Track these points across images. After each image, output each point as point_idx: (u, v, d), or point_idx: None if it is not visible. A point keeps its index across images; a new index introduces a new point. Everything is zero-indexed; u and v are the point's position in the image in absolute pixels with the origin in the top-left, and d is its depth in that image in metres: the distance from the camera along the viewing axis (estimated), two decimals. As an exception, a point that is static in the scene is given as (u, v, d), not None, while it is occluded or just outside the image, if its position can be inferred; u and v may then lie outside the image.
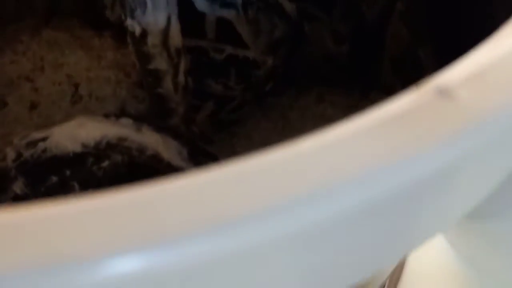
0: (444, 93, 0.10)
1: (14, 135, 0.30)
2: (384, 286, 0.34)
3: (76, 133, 0.23)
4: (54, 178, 0.23)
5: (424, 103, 0.10)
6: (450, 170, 0.10)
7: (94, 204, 0.09)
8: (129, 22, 0.25)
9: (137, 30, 0.25)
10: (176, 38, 0.26)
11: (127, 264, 0.08)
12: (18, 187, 0.23)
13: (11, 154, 0.24)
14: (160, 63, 0.26)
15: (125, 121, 0.23)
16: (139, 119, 0.24)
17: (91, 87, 0.31)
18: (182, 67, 0.28)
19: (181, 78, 0.28)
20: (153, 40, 0.25)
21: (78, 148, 0.23)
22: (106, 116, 0.24)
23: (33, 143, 0.23)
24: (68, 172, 0.23)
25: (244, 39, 0.33)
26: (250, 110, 0.38)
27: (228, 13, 0.32)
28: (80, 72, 0.31)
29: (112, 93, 0.31)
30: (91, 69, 0.31)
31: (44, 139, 0.23)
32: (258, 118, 0.37)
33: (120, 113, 0.31)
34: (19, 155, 0.23)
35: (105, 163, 0.22)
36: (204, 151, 0.24)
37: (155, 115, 0.30)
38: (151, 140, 0.23)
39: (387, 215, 0.10)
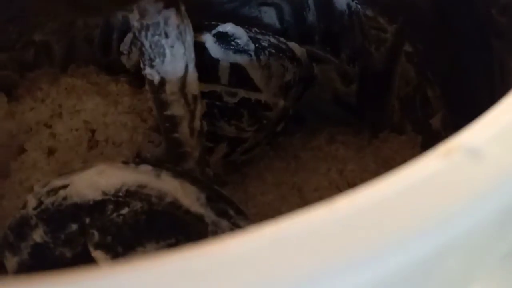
0: (473, 153, 0.10)
1: (32, 181, 0.31)
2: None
3: (95, 181, 0.23)
4: (74, 226, 0.23)
5: (456, 164, 0.10)
6: (494, 222, 0.10)
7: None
8: (148, 71, 0.26)
9: (156, 79, 0.26)
10: (193, 85, 0.27)
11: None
12: (38, 235, 0.24)
13: (32, 201, 0.24)
14: (178, 109, 0.27)
15: (144, 167, 0.24)
16: (156, 164, 0.24)
17: (107, 132, 0.32)
18: (198, 112, 0.29)
19: (197, 123, 0.29)
20: (171, 88, 0.26)
21: (98, 196, 0.23)
22: (125, 163, 0.24)
23: (54, 191, 0.24)
24: (88, 220, 0.23)
25: (256, 83, 0.34)
26: (262, 151, 0.38)
27: (241, 59, 0.33)
28: (97, 118, 0.32)
29: (128, 139, 0.32)
30: (107, 114, 0.32)
31: (64, 187, 0.24)
32: (271, 158, 0.37)
33: (137, 157, 0.32)
34: (40, 203, 0.24)
35: (125, 210, 0.23)
36: (222, 196, 0.24)
37: (171, 159, 0.31)
38: (170, 186, 0.23)
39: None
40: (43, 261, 0.24)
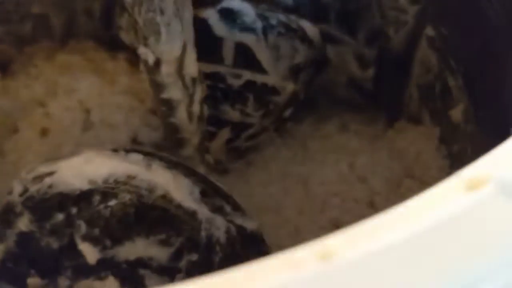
0: (506, 192, 0.08)
1: (25, 162, 0.29)
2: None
3: (83, 169, 0.21)
4: (60, 216, 0.22)
5: (485, 201, 0.08)
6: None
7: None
8: (142, 50, 0.24)
9: (151, 59, 0.24)
10: (191, 67, 0.25)
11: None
12: (23, 223, 0.22)
13: (18, 187, 0.23)
14: (174, 92, 0.25)
15: (135, 156, 0.22)
16: (147, 153, 0.22)
17: (103, 113, 0.30)
18: (197, 96, 0.26)
19: (196, 107, 0.27)
20: (167, 69, 0.24)
21: (85, 185, 0.21)
22: (115, 150, 0.22)
23: (39, 178, 0.22)
24: (74, 210, 0.21)
25: (263, 65, 0.31)
26: (268, 137, 0.36)
27: (247, 38, 0.30)
28: (93, 98, 0.30)
29: (124, 121, 0.30)
30: (103, 94, 0.30)
31: (51, 174, 0.22)
32: (277, 146, 0.35)
33: (133, 141, 0.30)
34: (25, 189, 0.22)
35: (112, 202, 0.21)
36: (218, 190, 0.22)
37: (169, 145, 0.29)
38: (161, 178, 0.21)
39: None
40: (30, 251, 0.23)
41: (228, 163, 0.34)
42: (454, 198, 0.08)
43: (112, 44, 0.36)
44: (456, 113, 0.29)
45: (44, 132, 0.30)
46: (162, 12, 0.22)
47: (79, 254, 0.22)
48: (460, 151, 0.29)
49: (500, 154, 0.09)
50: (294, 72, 0.32)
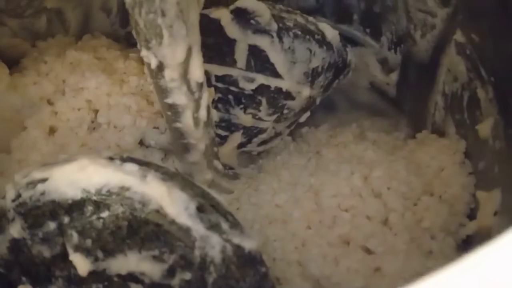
0: None
1: (30, 161, 0.29)
2: None
3: (76, 177, 0.21)
4: (52, 225, 0.21)
5: None
6: None
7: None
8: (144, 53, 0.23)
9: (153, 63, 0.23)
10: (197, 71, 0.23)
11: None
12: (15, 230, 0.22)
13: (11, 192, 0.22)
14: (179, 97, 0.24)
15: (130, 166, 0.21)
16: (143, 163, 0.21)
17: (110, 114, 0.29)
18: (204, 101, 0.25)
19: (202, 113, 0.25)
20: (170, 74, 0.23)
21: (77, 194, 0.21)
22: (111, 159, 0.21)
23: (33, 184, 0.22)
24: (66, 219, 0.21)
25: (278, 68, 0.30)
26: (282, 142, 0.34)
27: (261, 40, 0.29)
28: (101, 98, 0.29)
29: (131, 123, 0.29)
30: (112, 94, 0.30)
31: (43, 180, 0.21)
32: (290, 152, 0.33)
33: (140, 143, 0.29)
34: (18, 195, 0.22)
35: (105, 214, 0.20)
36: (216, 205, 0.21)
37: (175, 149, 0.28)
38: (155, 191, 0.20)
39: None
40: (22, 258, 0.22)
41: (239, 168, 0.33)
42: None
43: (127, 41, 0.36)
44: (485, 128, 0.27)
45: (51, 131, 0.29)
46: (163, 14, 0.20)
47: (70, 265, 0.21)
48: (486, 169, 0.27)
49: None
50: (311, 76, 0.31)
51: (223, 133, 0.31)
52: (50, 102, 0.30)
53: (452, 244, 0.26)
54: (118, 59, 0.31)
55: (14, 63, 0.33)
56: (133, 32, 0.32)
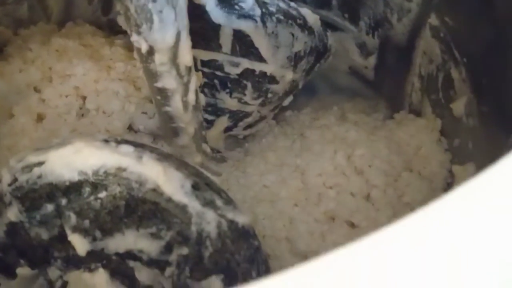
0: None
1: (20, 147, 0.29)
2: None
3: (72, 160, 0.21)
4: (50, 207, 0.21)
5: None
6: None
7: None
8: (134, 38, 0.23)
9: (144, 47, 0.23)
10: (186, 55, 0.24)
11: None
12: (12, 213, 0.22)
13: (6, 176, 0.22)
14: (169, 81, 0.24)
15: (125, 148, 0.22)
16: (138, 145, 0.22)
17: (98, 100, 0.29)
18: (192, 85, 0.26)
19: (191, 96, 0.26)
20: (160, 58, 0.23)
21: (74, 176, 0.21)
22: (106, 141, 0.22)
23: (29, 167, 0.22)
24: (64, 201, 0.21)
25: (262, 53, 0.30)
26: (266, 126, 0.35)
27: (245, 25, 0.29)
28: (88, 84, 0.30)
29: (120, 108, 0.29)
30: (99, 81, 0.30)
31: (40, 164, 0.22)
32: (275, 135, 0.34)
33: (129, 128, 0.30)
34: (14, 179, 0.22)
35: (103, 194, 0.21)
36: (209, 184, 0.22)
37: (165, 133, 0.28)
38: (151, 171, 0.21)
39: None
40: (19, 241, 0.23)
41: (225, 152, 0.34)
42: None
43: (110, 28, 0.36)
44: (459, 106, 0.28)
45: (39, 118, 0.30)
46: (154, -1, 0.21)
47: (69, 245, 0.22)
48: (461, 145, 0.28)
49: None
50: (293, 60, 0.32)
51: (209, 117, 0.32)
52: (37, 89, 0.30)
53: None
54: (104, 46, 0.32)
55: (-3, 52, 0.33)
56: (118, 19, 0.32)
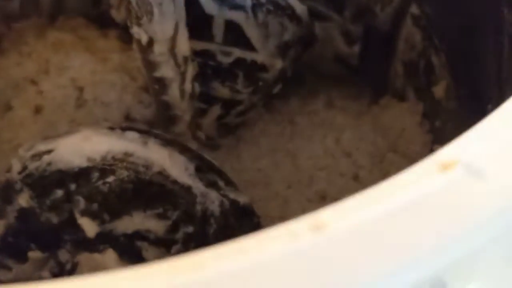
0: (473, 173, 0.09)
1: (19, 140, 0.30)
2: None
3: (81, 147, 0.22)
4: (59, 192, 0.22)
5: (455, 182, 0.09)
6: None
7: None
8: (135, 30, 0.24)
9: (144, 39, 0.24)
10: (183, 45, 0.25)
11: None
12: (24, 199, 0.23)
13: (16, 165, 0.23)
14: (167, 71, 0.26)
15: (131, 134, 0.23)
16: (143, 131, 0.23)
17: (96, 91, 0.30)
18: (189, 74, 0.27)
19: (187, 85, 0.27)
20: (159, 49, 0.24)
21: (83, 162, 0.22)
22: (111, 128, 0.23)
23: (38, 156, 0.23)
24: (73, 187, 0.22)
25: (253, 42, 0.32)
26: (257, 113, 0.37)
27: (236, 16, 0.31)
28: (85, 76, 0.31)
29: (117, 98, 0.30)
30: (96, 72, 0.31)
31: (49, 152, 0.23)
32: (266, 122, 0.36)
33: (126, 118, 0.31)
34: (24, 167, 0.23)
35: (111, 179, 0.22)
36: (211, 166, 0.23)
37: (161, 122, 0.30)
38: (157, 155, 0.22)
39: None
40: (30, 226, 0.24)
41: (219, 139, 0.35)
42: (427, 179, 0.09)
43: (102, 21, 0.36)
44: (439, 90, 0.30)
45: (37, 110, 0.30)
46: (154, -7, 0.22)
47: (78, 228, 0.23)
48: (442, 126, 0.30)
49: (468, 140, 0.10)
50: (283, 49, 0.33)
51: (202, 106, 0.33)
52: (34, 82, 0.31)
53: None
54: (99, 38, 0.32)
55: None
56: (111, 12, 0.33)
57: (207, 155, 0.32)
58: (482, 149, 0.10)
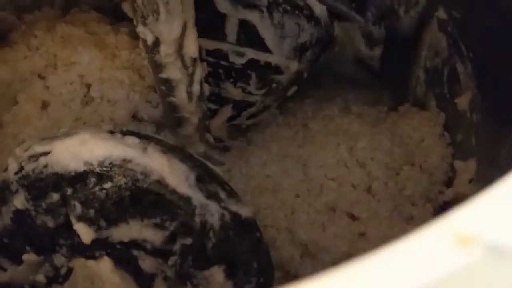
0: (498, 252, 0.08)
1: (24, 135, 0.29)
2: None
3: (78, 151, 0.21)
4: (55, 196, 0.22)
5: (475, 263, 0.07)
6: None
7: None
8: (140, 29, 0.23)
9: (150, 38, 0.23)
10: (191, 47, 0.24)
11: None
12: (19, 201, 0.22)
13: (13, 165, 0.23)
14: (173, 72, 0.25)
15: (131, 139, 0.22)
16: (143, 136, 0.22)
17: (103, 89, 0.30)
18: (197, 76, 0.26)
19: (196, 87, 0.26)
20: (166, 50, 0.23)
21: (80, 167, 0.21)
22: (111, 132, 0.22)
23: (35, 157, 0.22)
24: (69, 191, 0.22)
25: (267, 43, 0.30)
26: (270, 116, 0.35)
27: (251, 15, 0.29)
28: (93, 72, 0.30)
29: (125, 97, 0.29)
30: (104, 69, 0.30)
31: (45, 154, 0.22)
32: (279, 125, 0.35)
33: (133, 118, 0.30)
34: (20, 168, 0.22)
35: (108, 185, 0.21)
36: (213, 176, 0.22)
37: (169, 123, 0.29)
38: (156, 163, 0.21)
39: None
40: (25, 228, 0.23)
41: (228, 141, 0.34)
42: (443, 257, 0.08)
43: (115, 15, 0.36)
44: (463, 101, 0.28)
45: (44, 106, 0.30)
46: (160, -9, 0.21)
47: (74, 234, 0.22)
48: (463, 140, 0.28)
49: (492, 209, 0.08)
50: (299, 51, 0.32)
51: (213, 106, 0.32)
52: (41, 77, 0.30)
53: (430, 210, 0.28)
54: (109, 34, 0.32)
55: (1, 38, 0.33)
56: (123, 5, 0.32)
57: (214, 160, 0.31)
58: (508, 221, 0.08)
